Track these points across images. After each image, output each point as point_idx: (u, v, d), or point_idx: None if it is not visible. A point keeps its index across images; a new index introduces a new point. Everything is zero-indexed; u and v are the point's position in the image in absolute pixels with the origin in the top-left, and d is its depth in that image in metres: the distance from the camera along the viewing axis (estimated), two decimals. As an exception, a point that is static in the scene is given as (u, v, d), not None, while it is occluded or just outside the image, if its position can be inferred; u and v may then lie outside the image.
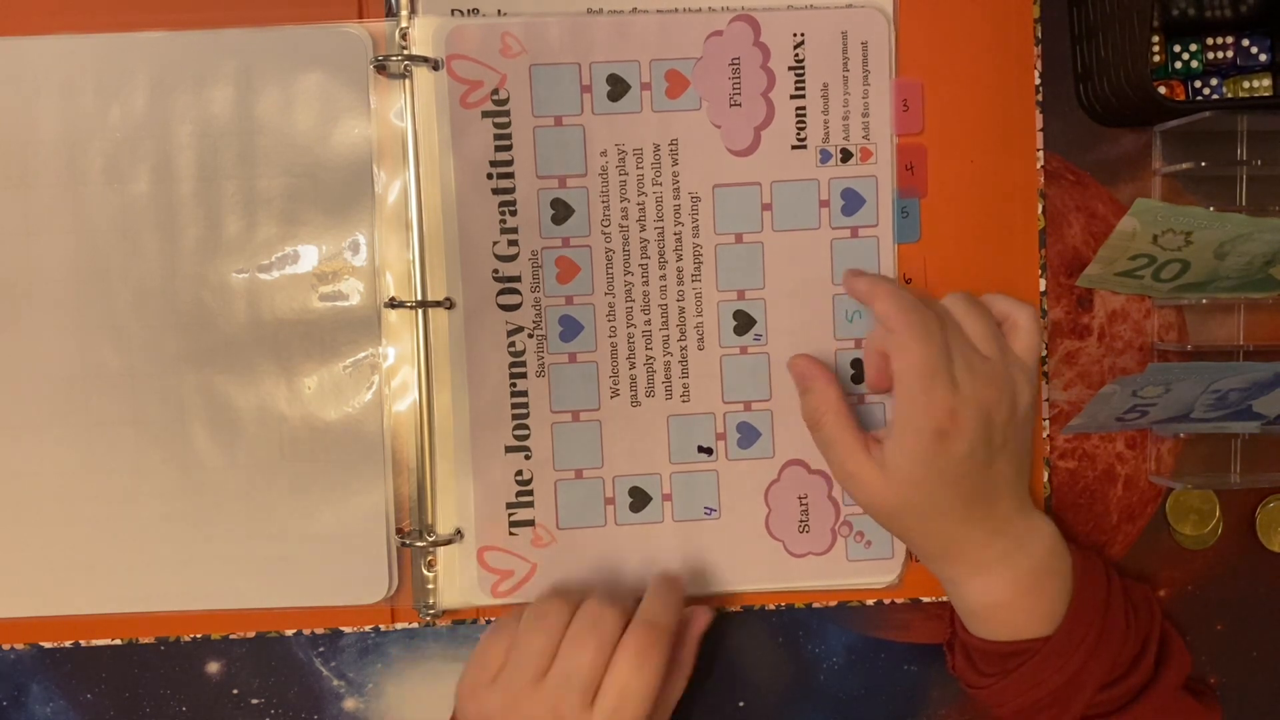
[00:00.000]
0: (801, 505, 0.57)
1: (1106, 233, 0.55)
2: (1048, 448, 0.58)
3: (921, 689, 0.59)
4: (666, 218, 0.56)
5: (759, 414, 0.57)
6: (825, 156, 0.56)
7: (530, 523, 0.57)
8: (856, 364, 0.57)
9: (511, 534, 0.57)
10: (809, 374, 0.54)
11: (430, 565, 0.56)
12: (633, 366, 0.56)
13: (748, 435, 0.57)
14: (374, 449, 0.56)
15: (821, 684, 0.59)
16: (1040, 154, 0.57)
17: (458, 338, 0.56)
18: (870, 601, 0.58)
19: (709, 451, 0.57)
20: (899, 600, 0.58)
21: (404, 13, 0.54)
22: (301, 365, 0.56)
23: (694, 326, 0.57)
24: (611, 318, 0.56)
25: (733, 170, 0.56)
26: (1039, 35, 0.57)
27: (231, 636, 0.58)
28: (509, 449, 0.56)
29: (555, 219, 0.56)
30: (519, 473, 0.56)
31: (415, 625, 0.58)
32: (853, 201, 0.56)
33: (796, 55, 0.55)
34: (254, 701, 0.58)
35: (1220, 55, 0.56)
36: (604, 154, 0.56)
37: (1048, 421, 0.58)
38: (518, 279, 0.56)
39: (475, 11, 0.55)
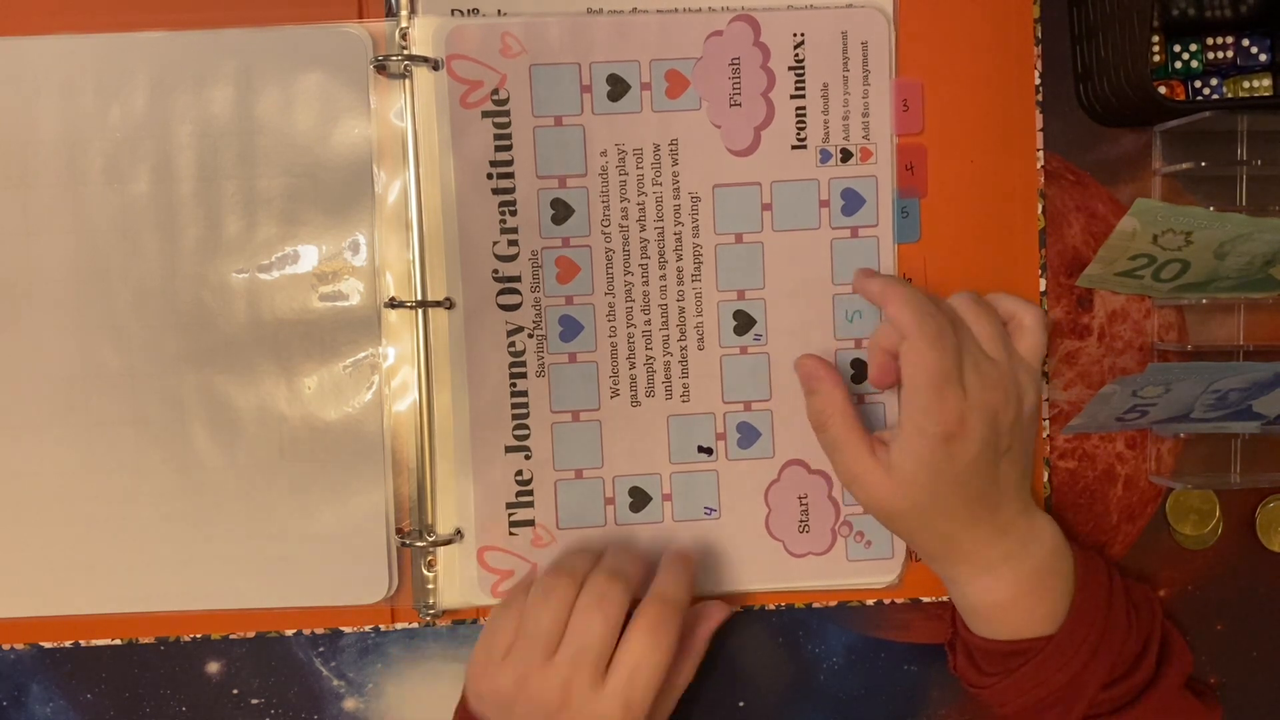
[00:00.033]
0: (801, 505, 0.57)
1: (1106, 233, 0.55)
2: (1048, 448, 0.58)
3: (921, 689, 0.59)
4: (666, 218, 0.56)
5: (759, 414, 0.57)
6: (825, 156, 0.56)
7: (530, 523, 0.57)
8: (856, 364, 0.57)
9: (511, 534, 0.57)
10: (816, 375, 0.53)
11: (430, 565, 0.56)
12: (633, 366, 0.56)
13: (748, 435, 0.57)
14: (374, 449, 0.56)
15: (821, 684, 0.59)
16: (1040, 154, 0.57)
17: (458, 338, 0.56)
18: (870, 601, 0.58)
19: (709, 451, 0.57)
20: (899, 600, 0.58)
21: (404, 13, 0.54)
22: (301, 365, 0.56)
23: (694, 326, 0.57)
24: (611, 318, 0.56)
25: (733, 170, 0.56)
26: (1039, 35, 0.57)
27: (231, 636, 0.58)
28: (509, 449, 0.56)
29: (555, 219, 0.56)
30: (519, 473, 0.56)
31: (415, 625, 0.58)
32: (853, 201, 0.56)
33: (796, 55, 0.55)
34: (254, 701, 0.58)
35: (1220, 55, 0.56)
36: (604, 154, 0.56)
37: (1048, 421, 0.58)
38: (518, 279, 0.56)
39: (475, 11, 0.55)
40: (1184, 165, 0.56)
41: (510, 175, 0.55)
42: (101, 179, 0.55)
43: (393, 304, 0.55)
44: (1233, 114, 0.54)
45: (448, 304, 0.55)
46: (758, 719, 0.59)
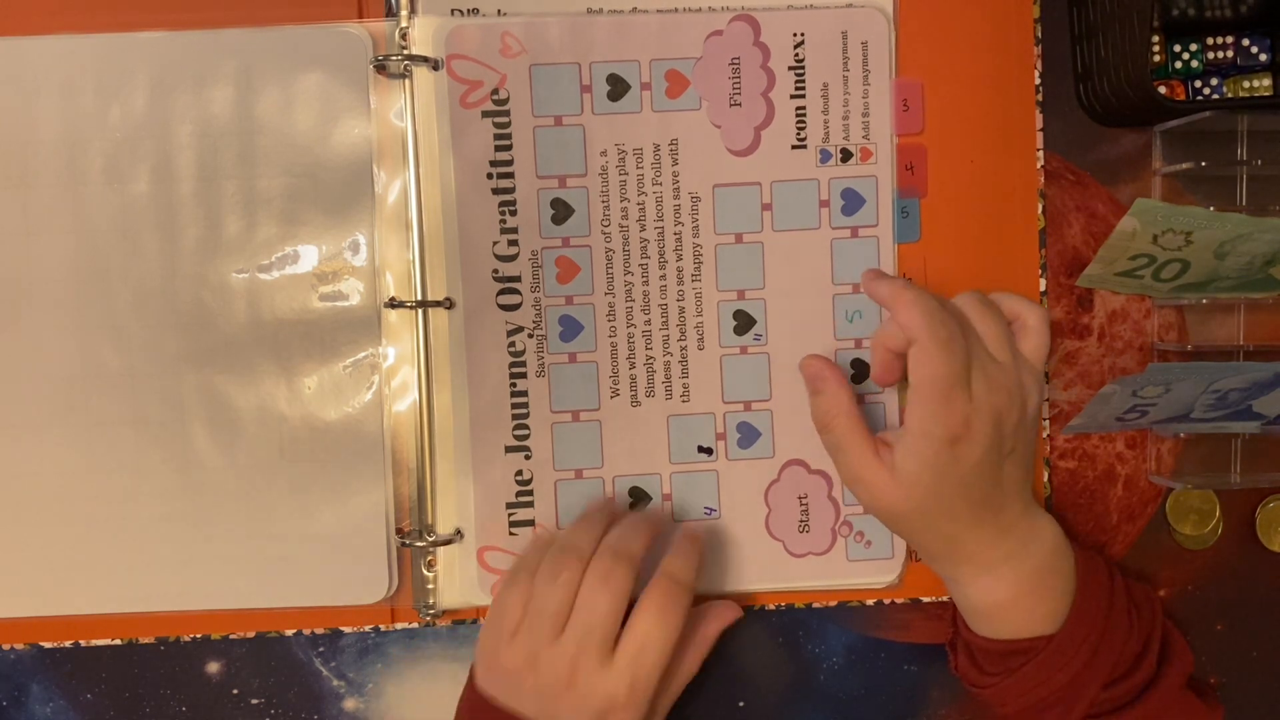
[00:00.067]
0: (801, 505, 0.57)
1: (1106, 233, 0.55)
2: (1048, 448, 0.58)
3: (921, 689, 0.59)
4: (666, 218, 0.56)
5: (759, 414, 0.57)
6: (825, 156, 0.56)
7: (530, 523, 0.57)
8: (857, 364, 0.57)
9: (512, 534, 0.57)
10: (821, 375, 0.53)
11: (430, 565, 0.56)
12: (633, 366, 0.56)
13: (748, 435, 0.57)
14: (374, 449, 0.56)
15: (821, 684, 0.59)
16: (1040, 154, 0.57)
17: (458, 338, 0.56)
18: (870, 601, 0.58)
19: (709, 451, 0.57)
20: (899, 600, 0.58)
21: (404, 13, 0.54)
22: (301, 365, 0.56)
23: (694, 326, 0.57)
24: (611, 318, 0.56)
25: (733, 170, 0.56)
26: (1039, 35, 0.57)
27: (231, 636, 0.58)
28: (509, 449, 0.56)
29: (555, 219, 0.56)
30: (519, 473, 0.56)
31: (415, 625, 0.58)
32: (853, 201, 0.56)
33: (796, 55, 0.55)
34: (254, 701, 0.58)
35: (1220, 55, 0.56)
36: (604, 154, 0.56)
37: (1048, 421, 0.58)
38: (518, 279, 0.56)
39: (475, 11, 0.55)
40: (1184, 165, 0.56)
41: (510, 175, 0.55)
42: (101, 179, 0.55)
43: (393, 304, 0.55)
44: (1233, 114, 0.54)
45: (448, 304, 0.55)
46: (758, 719, 0.59)
